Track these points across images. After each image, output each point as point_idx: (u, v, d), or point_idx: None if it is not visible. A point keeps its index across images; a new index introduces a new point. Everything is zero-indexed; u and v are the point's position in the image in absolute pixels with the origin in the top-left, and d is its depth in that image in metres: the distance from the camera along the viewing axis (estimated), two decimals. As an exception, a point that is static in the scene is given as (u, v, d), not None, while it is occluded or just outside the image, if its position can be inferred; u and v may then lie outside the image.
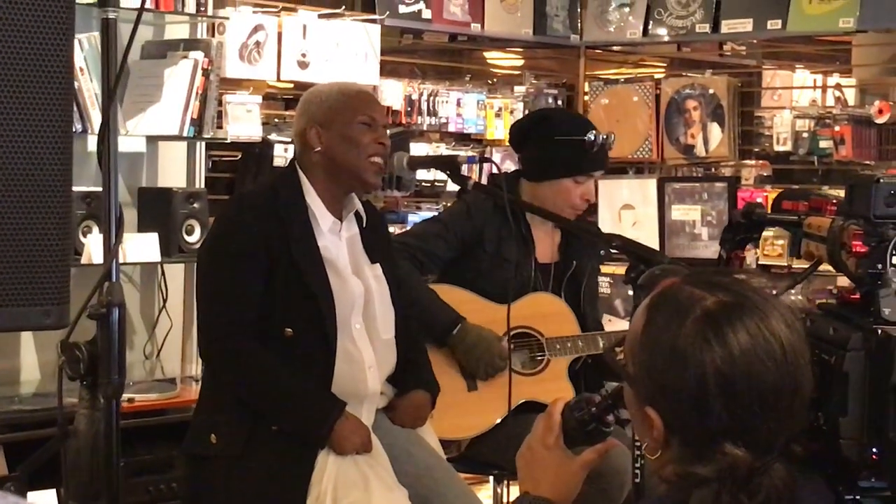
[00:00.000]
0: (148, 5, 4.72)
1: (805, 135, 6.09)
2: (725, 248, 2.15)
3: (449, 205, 4.77)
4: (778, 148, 6.17)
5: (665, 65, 7.43)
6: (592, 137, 4.15)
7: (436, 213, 4.25)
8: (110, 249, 2.25)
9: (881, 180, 1.78)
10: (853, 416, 1.70)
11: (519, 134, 4.39)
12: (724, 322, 1.62)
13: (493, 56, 7.26)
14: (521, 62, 7.17)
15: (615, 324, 5.41)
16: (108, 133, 2.27)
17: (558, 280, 4.27)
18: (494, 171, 4.24)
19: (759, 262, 5.93)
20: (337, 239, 3.50)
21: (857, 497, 1.79)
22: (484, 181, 5.10)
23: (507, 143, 6.30)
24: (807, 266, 2.02)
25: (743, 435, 1.61)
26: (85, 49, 4.53)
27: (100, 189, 4.10)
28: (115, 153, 2.29)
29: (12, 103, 2.03)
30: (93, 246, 4.43)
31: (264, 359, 3.35)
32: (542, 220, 4.19)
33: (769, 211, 2.25)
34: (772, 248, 5.79)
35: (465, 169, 4.16)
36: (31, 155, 2.03)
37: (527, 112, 6.27)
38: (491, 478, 4.52)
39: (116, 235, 2.26)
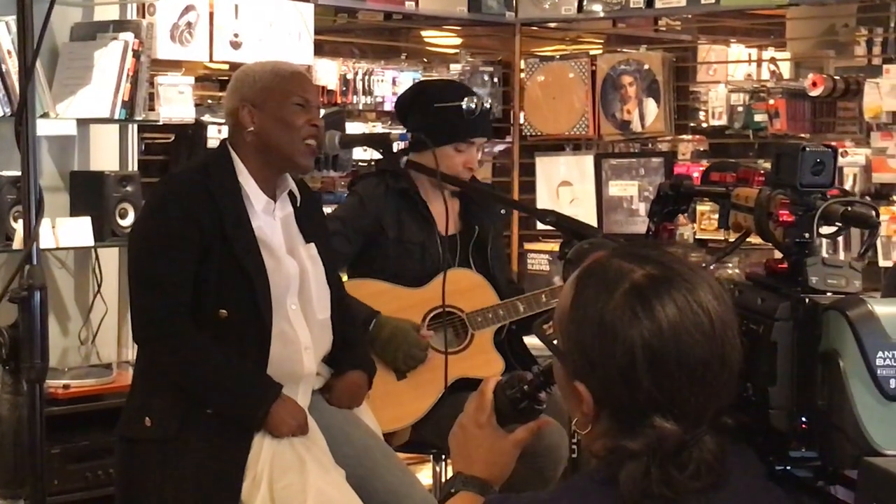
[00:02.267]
0: (75, -14, 4.65)
1: (740, 109, 6.12)
2: (654, 221, 2.15)
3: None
4: (714, 122, 6.21)
5: (601, 41, 7.43)
6: (471, 104, 4.16)
7: (332, 212, 4.24)
8: (30, 232, 2.21)
9: (807, 149, 1.78)
10: (782, 386, 1.70)
11: (401, 108, 4.39)
12: (651, 295, 1.61)
13: (429, 35, 7.23)
14: (458, 41, 7.14)
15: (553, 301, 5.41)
16: (25, 113, 2.23)
17: (465, 248, 4.27)
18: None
19: (697, 237, 5.96)
20: (271, 219, 3.47)
21: (788, 467, 1.78)
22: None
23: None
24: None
25: (672, 408, 1.60)
26: (12, 32, 4.45)
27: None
28: (33, 134, 2.25)
29: None
30: (23, 230, 4.35)
31: (198, 342, 3.32)
32: (434, 194, 4.17)
33: (701, 184, 2.24)
34: (709, 222, 5.82)
35: (398, 146, 4.14)
36: None
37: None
38: (431, 457, 4.51)
39: (37, 217, 2.22)
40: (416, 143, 4.18)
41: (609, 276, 1.65)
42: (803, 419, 1.70)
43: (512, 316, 4.21)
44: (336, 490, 3.28)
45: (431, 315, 4.13)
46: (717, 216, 1.98)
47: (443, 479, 4.41)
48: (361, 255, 4.20)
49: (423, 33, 7.15)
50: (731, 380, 1.64)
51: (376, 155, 5.77)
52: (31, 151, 2.22)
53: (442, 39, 7.31)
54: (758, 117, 6.06)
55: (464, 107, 4.16)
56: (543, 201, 6.20)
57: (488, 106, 4.27)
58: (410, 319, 4.08)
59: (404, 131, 4.19)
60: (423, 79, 5.98)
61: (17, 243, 4.39)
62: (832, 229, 1.86)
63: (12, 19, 4.39)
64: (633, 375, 1.60)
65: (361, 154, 5.80)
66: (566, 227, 2.84)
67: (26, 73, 2.27)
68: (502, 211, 4.50)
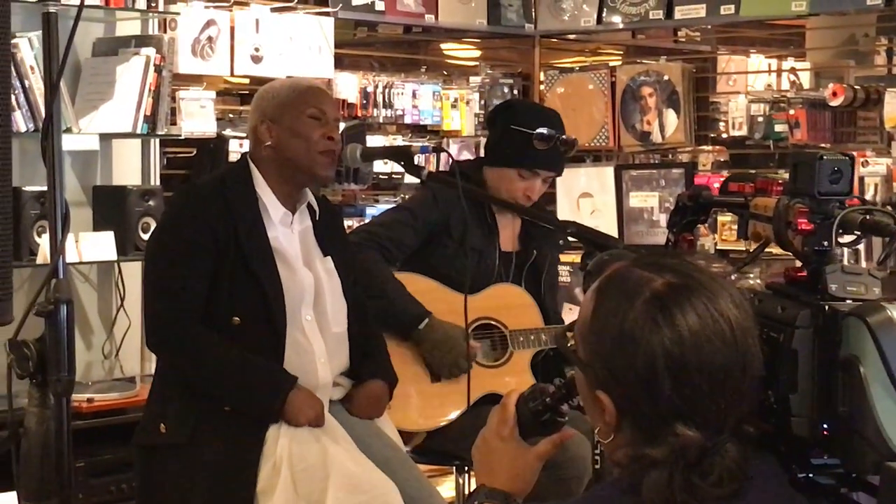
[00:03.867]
0: (98, 2, 4.69)
1: (760, 119, 6.11)
2: (673, 232, 2.15)
3: (413, 193, 4.75)
4: (734, 133, 6.20)
5: (620, 52, 7.44)
6: (544, 136, 4.12)
7: (400, 202, 4.21)
8: (56, 245, 2.23)
9: (824, 157, 1.78)
10: (803, 393, 1.70)
11: (487, 119, 4.43)
12: (672, 303, 1.62)
13: (449, 47, 7.25)
14: (477, 53, 7.17)
15: (575, 312, 5.40)
16: (51, 128, 2.25)
17: (519, 269, 4.26)
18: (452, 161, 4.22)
19: (718, 248, 5.95)
20: (288, 231, 3.50)
21: (810, 475, 1.79)
22: (444, 170, 5.09)
23: (464, 134, 6.33)
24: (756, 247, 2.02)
25: (694, 416, 1.61)
26: (35, 48, 4.49)
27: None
28: (59, 148, 2.27)
29: None
30: (47, 246, 4.38)
31: (212, 339, 3.36)
32: (504, 209, 4.18)
33: (720, 194, 2.25)
34: (730, 232, 5.81)
35: (420, 159, 4.15)
36: None
37: (482, 102, 6.29)
38: (453, 469, 4.51)
39: (62, 231, 2.24)
40: (487, 156, 4.20)
41: (629, 285, 1.66)
42: (825, 426, 1.71)
43: (552, 342, 4.20)
44: (359, 466, 3.30)
45: (476, 325, 4.12)
46: (737, 227, 1.99)
47: (465, 491, 4.41)
48: (420, 249, 4.19)
49: (443, 46, 7.17)
50: (751, 387, 1.64)
51: (399, 168, 5.81)
52: (58, 166, 2.24)
53: (461, 52, 7.33)
54: (778, 128, 6.05)
55: (536, 135, 4.12)
56: (564, 213, 6.20)
57: (568, 139, 4.20)
58: (460, 325, 4.06)
59: (425, 143, 4.20)
60: (514, 97, 6.03)
61: (41, 258, 4.43)
62: (851, 238, 1.86)
63: (35, 35, 4.43)
64: (655, 384, 1.61)
65: (382, 167, 5.83)
66: (587, 239, 2.85)
67: (52, 88, 2.30)
68: (560, 241, 4.47)
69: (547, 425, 1.98)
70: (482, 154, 4.37)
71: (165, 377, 3.49)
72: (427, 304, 4.07)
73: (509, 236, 4.24)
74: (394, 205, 5.21)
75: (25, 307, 2.17)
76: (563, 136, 4.16)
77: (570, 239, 3.31)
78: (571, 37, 6.82)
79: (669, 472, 1.60)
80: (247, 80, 5.64)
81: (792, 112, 6.03)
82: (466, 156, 5.76)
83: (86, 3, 2.33)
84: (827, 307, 1.72)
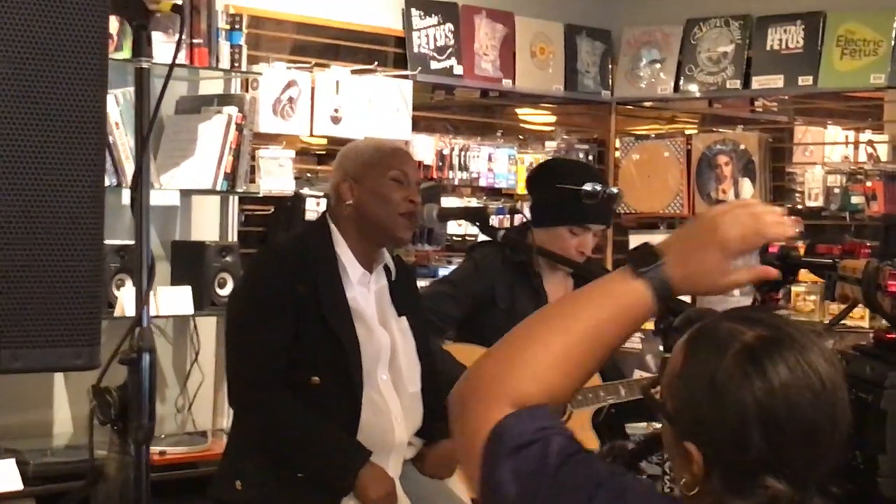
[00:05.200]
0: (182, 60, 4.76)
1: (837, 190, 6.07)
2: (761, 292, 2.15)
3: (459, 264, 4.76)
4: (810, 203, 6.16)
5: (696, 121, 7.44)
6: (591, 190, 4.13)
7: (446, 274, 4.24)
8: (141, 295, 2.26)
9: (916, 221, 1.78)
10: (892, 454, 1.69)
11: (528, 180, 4.44)
12: (763, 356, 1.62)
13: (524, 112, 7.29)
14: (552, 118, 7.20)
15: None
16: (140, 179, 2.29)
17: None
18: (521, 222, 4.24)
19: (792, 318, 5.90)
20: (365, 290, 3.51)
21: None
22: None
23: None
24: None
25: (783, 468, 1.60)
26: (120, 104, 4.58)
27: (133, 242, 4.12)
28: (146, 199, 2.30)
29: (49, 153, 2.08)
30: (126, 298, 4.45)
31: (291, 406, 3.36)
32: (552, 271, 4.18)
33: (806, 255, 2.23)
34: (804, 302, 5.76)
35: (494, 221, 4.17)
36: (67, 201, 2.08)
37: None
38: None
39: (148, 281, 2.27)
40: (535, 217, 4.22)
41: (720, 337, 1.65)
42: (913, 487, 1.69)
43: (612, 398, 4.18)
44: None
45: None
46: (812, 297, 1.97)
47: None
48: (470, 320, 4.19)
49: (518, 110, 7.21)
50: (840, 442, 1.63)
51: (472, 229, 5.83)
52: (145, 217, 2.27)
53: (536, 117, 7.37)
54: (854, 199, 6.00)
55: (583, 191, 4.13)
56: (637, 279, 6.16)
57: (614, 192, 4.22)
58: None
59: (500, 205, 4.22)
60: (553, 156, 6.03)
61: (119, 310, 4.48)
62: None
63: (120, 92, 4.52)
64: (745, 435, 1.60)
65: (456, 229, 5.85)
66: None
67: (142, 142, 2.34)
68: None
69: None
70: (527, 217, 4.36)
71: (243, 434, 3.50)
72: None
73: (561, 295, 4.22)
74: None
75: (107, 356, 2.20)
76: (609, 189, 4.19)
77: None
78: (647, 104, 6.83)
79: None
80: (324, 140, 5.70)
81: (869, 184, 5.98)
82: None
83: (149, 68, 2.36)
84: (917, 368, 1.70)
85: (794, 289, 5.82)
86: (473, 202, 6.07)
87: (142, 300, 2.27)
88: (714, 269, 1.73)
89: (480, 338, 4.18)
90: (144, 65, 2.36)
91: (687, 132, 6.62)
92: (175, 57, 2.40)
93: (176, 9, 2.36)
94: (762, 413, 1.60)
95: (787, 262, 2.10)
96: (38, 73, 2.07)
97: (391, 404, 3.46)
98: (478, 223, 3.71)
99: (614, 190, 4.22)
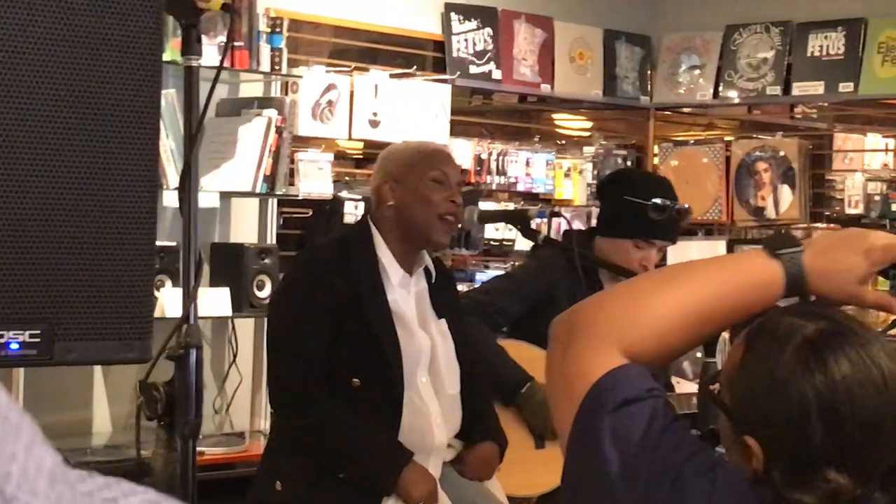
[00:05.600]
0: (225, 63, 4.78)
1: (877, 198, 6.04)
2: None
3: (519, 262, 4.77)
4: (850, 211, 6.14)
5: (733, 126, 7.42)
6: (659, 206, 4.11)
7: (507, 270, 4.22)
8: (189, 292, 2.27)
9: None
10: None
11: (599, 188, 4.43)
12: (824, 349, 1.61)
13: (560, 117, 7.29)
14: (588, 124, 7.19)
15: (683, 386, 5.36)
16: (189, 177, 2.30)
17: None
18: (565, 226, 4.24)
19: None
20: (406, 293, 3.52)
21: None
22: (554, 237, 5.10)
23: (576, 203, 6.33)
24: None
25: (845, 461, 1.60)
26: (161, 106, 4.59)
27: (173, 244, 4.15)
28: (195, 196, 2.31)
29: (106, 152, 2.11)
30: (166, 299, 4.47)
31: (333, 407, 3.37)
32: (612, 281, 4.16)
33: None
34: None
35: (534, 224, 4.16)
36: (122, 198, 2.11)
37: (596, 172, 6.31)
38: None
39: (196, 278, 2.28)
40: (601, 226, 4.22)
41: (780, 331, 1.65)
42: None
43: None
44: None
45: None
46: (889, 288, 1.94)
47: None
48: (525, 318, 4.19)
49: (554, 116, 7.21)
50: None
51: (509, 234, 5.83)
52: (194, 214, 2.28)
53: (572, 122, 7.37)
54: (895, 206, 5.98)
55: (651, 206, 4.11)
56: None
57: (683, 208, 4.18)
58: None
59: (542, 209, 4.21)
60: (626, 168, 6.04)
61: (159, 311, 4.49)
62: None
63: (163, 93, 4.53)
64: (807, 429, 1.60)
65: (493, 233, 5.85)
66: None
67: (190, 140, 2.35)
68: None
69: None
70: (594, 224, 4.36)
71: (283, 435, 3.51)
72: (530, 371, 4.07)
73: None
74: (501, 272, 5.22)
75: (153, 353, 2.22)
76: (678, 206, 4.15)
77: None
78: (686, 110, 6.82)
79: None
80: (361, 144, 5.71)
81: (909, 191, 5.96)
82: (577, 225, 5.76)
83: (198, 66, 2.38)
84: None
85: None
86: (511, 207, 6.08)
87: (189, 297, 2.28)
88: (850, 271, 1.71)
89: (533, 337, 4.17)
90: (194, 63, 2.37)
91: (726, 138, 6.60)
92: (224, 56, 2.43)
93: (226, 7, 2.37)
94: (824, 406, 1.59)
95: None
96: (95, 72, 2.09)
97: (431, 407, 3.47)
98: (519, 226, 3.71)
99: (684, 206, 4.18)
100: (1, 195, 1.92)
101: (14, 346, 1.90)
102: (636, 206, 4.11)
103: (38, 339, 1.93)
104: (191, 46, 2.37)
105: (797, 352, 1.62)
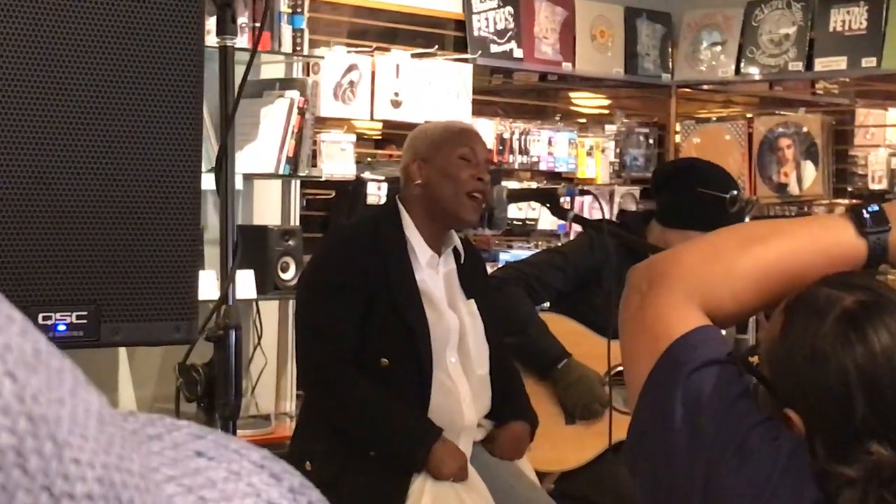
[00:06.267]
0: (245, 44, 4.77)
1: (901, 173, 6.02)
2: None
3: (542, 242, 4.75)
4: (873, 186, 6.11)
5: (754, 103, 7.39)
6: (736, 199, 4.07)
7: (558, 245, 4.18)
8: (227, 272, 2.26)
9: None
10: None
11: (662, 178, 4.35)
12: (864, 320, 1.60)
13: (579, 96, 7.26)
14: (608, 102, 7.16)
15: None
16: (225, 160, 2.29)
17: None
18: (591, 204, 4.21)
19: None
20: (434, 273, 3.51)
21: None
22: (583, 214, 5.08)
23: (599, 182, 6.30)
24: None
25: (888, 433, 1.59)
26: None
27: (203, 226, 4.14)
28: (232, 177, 2.31)
29: (150, 135, 2.12)
30: (199, 280, 4.45)
31: (362, 385, 3.37)
32: None
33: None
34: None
35: (563, 202, 4.15)
36: (167, 180, 2.12)
37: (618, 151, 6.28)
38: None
39: (233, 258, 2.27)
40: (665, 217, 4.15)
41: (819, 303, 1.64)
42: None
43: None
44: None
45: (616, 371, 4.10)
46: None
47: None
48: (569, 294, 4.17)
49: (573, 94, 7.19)
50: None
51: (532, 214, 5.81)
52: (231, 195, 2.28)
53: (591, 100, 7.34)
54: (919, 181, 5.96)
55: (728, 198, 4.07)
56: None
57: (754, 200, 4.16)
58: (597, 371, 4.03)
59: (572, 187, 4.19)
60: (690, 157, 5.99)
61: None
62: None
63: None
64: (848, 401, 1.59)
65: (516, 213, 5.83)
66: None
67: (226, 121, 2.34)
68: None
69: None
70: (652, 212, 4.28)
71: (312, 415, 3.52)
72: (568, 346, 4.05)
73: None
74: (525, 252, 5.20)
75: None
76: (750, 198, 4.13)
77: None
78: (707, 87, 6.79)
79: (863, 490, 1.57)
80: (380, 125, 5.70)
81: (933, 166, 5.93)
82: (603, 204, 5.73)
83: (233, 45, 2.37)
84: None
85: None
86: (534, 186, 6.06)
87: (227, 277, 2.27)
88: None
89: (576, 313, 4.15)
90: (229, 42, 2.36)
91: (748, 115, 6.57)
92: (257, 39, 2.40)
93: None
94: (864, 378, 1.58)
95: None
96: (140, 56, 2.09)
97: (460, 387, 3.46)
98: (548, 205, 3.69)
99: (754, 198, 4.16)
100: (49, 178, 1.92)
101: (61, 327, 1.90)
102: (712, 199, 4.05)
103: (84, 321, 1.92)
104: (225, 26, 2.36)
105: (836, 324, 1.61)
